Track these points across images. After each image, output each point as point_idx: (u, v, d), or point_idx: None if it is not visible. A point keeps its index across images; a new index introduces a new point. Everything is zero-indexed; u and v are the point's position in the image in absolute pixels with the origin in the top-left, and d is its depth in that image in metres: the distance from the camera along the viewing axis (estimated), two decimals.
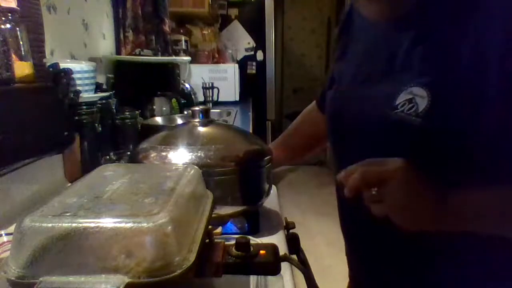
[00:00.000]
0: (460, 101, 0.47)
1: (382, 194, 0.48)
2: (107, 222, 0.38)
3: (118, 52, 1.90)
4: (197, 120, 0.83)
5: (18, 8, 0.82)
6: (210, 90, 2.71)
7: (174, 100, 1.98)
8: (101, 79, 1.57)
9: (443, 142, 0.49)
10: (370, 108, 0.57)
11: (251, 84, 3.56)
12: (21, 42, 0.82)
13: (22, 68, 0.82)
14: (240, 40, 3.65)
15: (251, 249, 0.50)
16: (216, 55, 3.17)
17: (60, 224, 0.38)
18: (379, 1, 0.60)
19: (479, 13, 0.47)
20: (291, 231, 0.88)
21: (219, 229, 0.76)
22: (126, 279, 0.36)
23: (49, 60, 1.01)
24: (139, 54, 1.92)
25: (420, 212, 0.49)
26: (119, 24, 1.89)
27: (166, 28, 2.29)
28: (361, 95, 0.61)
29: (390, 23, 0.58)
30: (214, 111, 2.14)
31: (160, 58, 2.06)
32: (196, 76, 2.81)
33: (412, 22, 0.54)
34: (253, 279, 0.62)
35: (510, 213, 0.47)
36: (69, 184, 0.91)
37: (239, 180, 0.78)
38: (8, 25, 0.79)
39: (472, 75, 0.46)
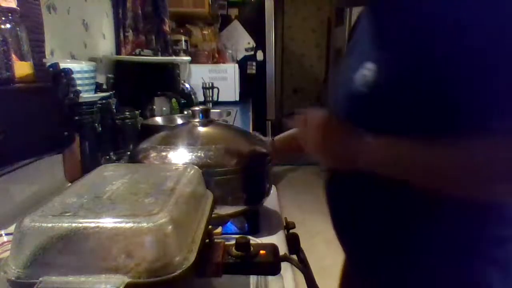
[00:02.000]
0: (396, 73, 0.56)
1: (306, 135, 0.63)
2: (107, 222, 0.38)
3: (118, 52, 1.90)
4: (197, 120, 0.83)
5: (18, 8, 0.82)
6: (210, 90, 2.70)
7: (174, 100, 1.98)
8: (101, 79, 1.57)
9: (384, 104, 0.57)
10: (339, 89, 0.69)
11: (251, 84, 3.56)
12: (21, 42, 0.82)
13: (22, 68, 0.82)
14: (240, 40, 3.65)
15: (251, 249, 0.50)
16: (216, 55, 3.17)
17: (60, 224, 0.38)
18: None
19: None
20: (291, 231, 0.88)
21: (219, 229, 0.76)
22: (126, 279, 0.36)
23: (49, 60, 1.01)
24: (139, 54, 1.92)
25: (335, 150, 0.62)
26: (119, 24, 1.89)
27: (166, 28, 2.29)
28: (340, 79, 0.70)
29: (365, 15, 0.69)
30: (214, 111, 2.13)
31: (160, 58, 2.06)
32: (196, 76, 2.81)
33: (376, 11, 0.64)
34: (253, 279, 0.62)
35: (423, 165, 0.55)
36: (69, 184, 0.91)
37: (239, 180, 0.78)
38: (8, 25, 0.79)
39: (407, 56, 0.55)
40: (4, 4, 0.79)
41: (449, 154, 0.53)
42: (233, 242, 0.51)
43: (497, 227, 0.61)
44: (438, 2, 0.52)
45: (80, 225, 0.38)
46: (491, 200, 0.57)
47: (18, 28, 0.81)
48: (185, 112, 1.91)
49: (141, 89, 1.81)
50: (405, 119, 0.55)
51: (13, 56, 0.80)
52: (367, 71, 0.58)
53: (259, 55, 3.66)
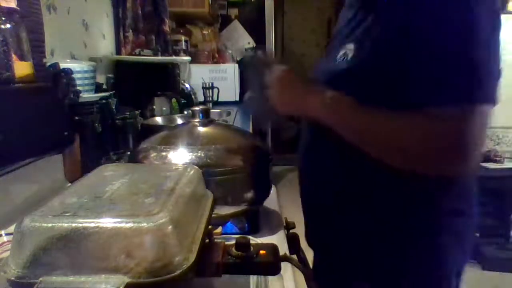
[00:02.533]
0: (374, 50, 0.65)
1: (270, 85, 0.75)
2: (107, 222, 0.38)
3: (118, 52, 1.90)
4: (197, 120, 0.83)
5: (18, 8, 0.82)
6: (210, 90, 2.70)
7: (174, 100, 1.98)
8: (101, 79, 1.57)
9: (360, 76, 0.67)
10: (324, 69, 0.78)
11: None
12: (21, 42, 0.82)
13: (22, 68, 0.82)
14: (240, 40, 3.64)
15: (251, 249, 0.50)
16: (216, 55, 3.17)
17: (60, 224, 0.38)
18: None
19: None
20: (291, 231, 0.88)
21: (219, 229, 0.76)
22: (126, 279, 0.36)
23: (49, 60, 1.01)
24: (139, 54, 1.92)
25: (289, 98, 0.75)
26: (119, 24, 1.89)
27: (166, 28, 2.29)
28: (323, 63, 0.81)
29: (347, 5, 0.79)
30: (214, 111, 2.13)
31: (160, 58, 2.06)
32: (196, 76, 2.80)
33: (353, 5, 0.75)
34: (253, 279, 0.62)
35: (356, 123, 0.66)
36: (69, 184, 0.91)
37: (239, 180, 0.78)
38: (8, 25, 0.79)
39: (381, 38, 0.64)
40: (4, 4, 0.79)
41: (373, 117, 0.64)
42: (233, 242, 0.51)
43: (455, 201, 0.70)
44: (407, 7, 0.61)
45: (80, 225, 0.38)
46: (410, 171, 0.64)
47: (18, 28, 0.81)
48: (185, 112, 1.91)
49: (141, 89, 1.80)
50: (372, 91, 0.64)
51: (13, 56, 0.80)
52: (348, 51, 0.69)
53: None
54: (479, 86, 0.58)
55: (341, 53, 0.70)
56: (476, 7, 0.58)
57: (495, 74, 0.60)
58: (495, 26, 0.60)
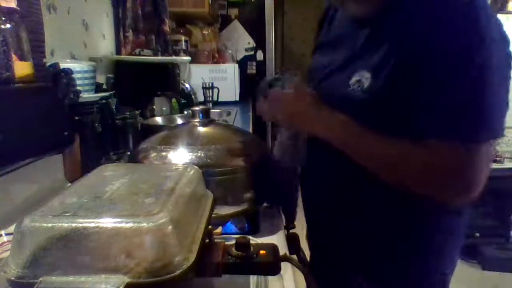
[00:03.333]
0: (390, 83, 0.65)
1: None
2: (107, 222, 0.38)
3: (118, 52, 1.90)
4: (197, 120, 0.83)
5: (18, 8, 0.82)
6: (210, 90, 2.70)
7: (174, 100, 1.98)
8: (101, 79, 1.57)
9: (375, 107, 0.67)
10: (334, 90, 0.75)
11: (251, 84, 3.55)
12: (21, 42, 0.82)
13: (22, 68, 0.82)
14: (240, 40, 3.64)
15: (251, 249, 0.50)
16: (216, 55, 3.17)
17: (60, 224, 0.38)
18: (356, 3, 0.74)
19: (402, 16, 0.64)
20: (291, 231, 0.88)
21: (219, 229, 0.76)
22: (126, 279, 0.36)
23: (49, 60, 1.01)
24: (139, 54, 1.91)
25: (300, 120, 0.76)
26: (119, 24, 1.89)
27: (166, 28, 2.29)
28: (330, 81, 0.77)
29: (356, 22, 0.75)
30: (214, 111, 2.13)
31: (160, 58, 2.05)
32: (196, 76, 2.80)
33: (368, 23, 0.71)
34: (253, 279, 0.62)
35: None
36: (69, 184, 0.91)
37: (239, 180, 0.77)
38: (8, 25, 0.79)
39: (400, 68, 0.63)
40: (4, 4, 0.79)
41: (381, 144, 0.66)
42: (233, 242, 0.51)
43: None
44: (427, 29, 0.60)
45: (80, 225, 0.38)
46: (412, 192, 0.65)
47: (18, 28, 0.81)
48: (185, 112, 1.91)
49: (141, 89, 1.80)
50: (385, 121, 0.65)
51: (13, 56, 0.80)
52: (364, 79, 0.68)
53: (259, 55, 3.66)
54: (487, 126, 0.60)
55: (355, 78, 0.69)
56: (490, 47, 0.58)
57: (504, 110, 0.61)
58: (508, 65, 0.62)
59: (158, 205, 0.41)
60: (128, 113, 1.36)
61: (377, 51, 0.67)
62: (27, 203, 0.84)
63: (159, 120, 1.66)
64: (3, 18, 0.78)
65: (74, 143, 1.04)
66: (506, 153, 2.62)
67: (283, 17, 5.07)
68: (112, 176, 0.52)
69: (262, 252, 0.50)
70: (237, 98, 3.01)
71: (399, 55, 0.63)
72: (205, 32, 3.17)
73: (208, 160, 0.74)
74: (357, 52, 0.72)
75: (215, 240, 0.53)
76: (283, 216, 0.90)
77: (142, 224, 0.38)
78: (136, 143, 0.88)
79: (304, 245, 0.85)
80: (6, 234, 0.67)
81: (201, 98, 2.64)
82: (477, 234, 2.31)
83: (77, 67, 1.11)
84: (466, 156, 0.59)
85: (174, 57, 2.28)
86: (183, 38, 2.65)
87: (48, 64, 0.97)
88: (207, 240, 0.50)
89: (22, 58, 0.83)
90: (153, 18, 2.22)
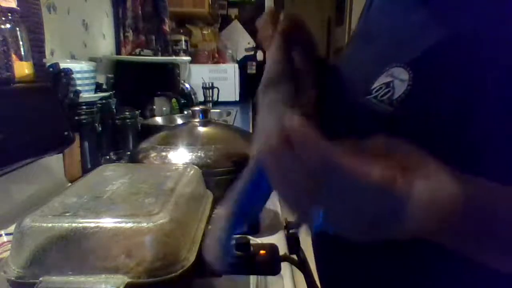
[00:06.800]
0: (445, 89, 0.36)
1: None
2: (107, 222, 0.38)
3: (118, 52, 1.90)
4: (197, 120, 0.83)
5: (18, 8, 0.82)
6: (210, 90, 2.70)
7: (174, 100, 1.98)
8: (101, 79, 1.57)
9: (414, 133, 0.35)
10: (346, 93, 0.48)
11: (251, 84, 3.55)
12: (21, 42, 0.82)
13: (22, 68, 0.82)
14: (240, 40, 3.64)
15: (251, 249, 0.50)
16: (216, 55, 3.17)
17: (60, 224, 0.38)
18: None
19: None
20: (291, 231, 0.87)
21: None
22: (126, 279, 0.36)
23: (49, 60, 1.01)
24: (139, 54, 1.91)
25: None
26: (119, 24, 1.89)
27: (166, 28, 2.29)
28: (343, 78, 0.51)
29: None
30: (214, 111, 2.13)
31: (160, 58, 2.06)
32: (196, 76, 2.80)
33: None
34: (253, 279, 0.62)
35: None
36: (69, 184, 0.91)
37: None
38: (8, 25, 0.79)
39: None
40: (4, 4, 0.79)
41: None
42: (233, 242, 0.51)
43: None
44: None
45: (80, 225, 0.38)
46: None
47: (18, 28, 0.81)
48: (185, 112, 1.91)
49: (141, 89, 1.80)
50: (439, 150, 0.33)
51: (13, 56, 0.80)
52: (396, 80, 0.39)
53: (259, 55, 3.65)
54: None
55: (382, 81, 0.41)
56: None
57: None
58: None
59: (158, 205, 0.41)
60: (128, 113, 1.36)
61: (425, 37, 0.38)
62: (27, 203, 0.84)
63: (159, 120, 1.66)
64: (3, 18, 0.78)
65: (74, 143, 1.04)
66: None
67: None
68: (112, 176, 0.52)
69: (262, 252, 0.50)
70: (237, 98, 3.00)
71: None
72: (205, 32, 3.17)
73: (208, 160, 0.74)
74: (384, 38, 0.46)
75: None
76: (282, 216, 0.90)
77: (142, 224, 0.38)
78: (136, 143, 0.88)
79: (304, 245, 0.85)
80: (6, 234, 0.67)
81: (201, 98, 2.64)
82: None
83: (77, 67, 1.11)
84: None
85: (174, 57, 2.28)
86: (183, 38, 2.65)
87: (48, 64, 0.97)
88: None
89: (22, 58, 0.82)
90: (153, 18, 2.22)
